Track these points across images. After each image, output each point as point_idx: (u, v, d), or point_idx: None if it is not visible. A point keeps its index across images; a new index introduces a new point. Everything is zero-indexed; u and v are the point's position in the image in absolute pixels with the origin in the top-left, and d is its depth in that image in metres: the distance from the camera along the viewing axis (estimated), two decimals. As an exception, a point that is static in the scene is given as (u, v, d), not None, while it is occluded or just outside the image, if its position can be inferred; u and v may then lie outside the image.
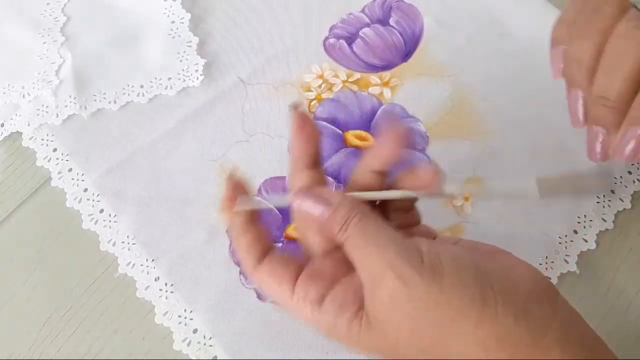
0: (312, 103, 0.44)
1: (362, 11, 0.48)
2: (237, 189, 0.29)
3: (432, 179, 0.29)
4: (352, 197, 0.28)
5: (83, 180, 0.41)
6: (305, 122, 0.29)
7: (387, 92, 0.44)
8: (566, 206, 0.39)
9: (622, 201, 0.39)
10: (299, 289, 0.27)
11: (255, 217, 0.29)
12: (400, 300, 0.25)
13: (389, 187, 0.30)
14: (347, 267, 0.27)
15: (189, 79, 0.44)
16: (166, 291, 0.37)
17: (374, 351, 0.27)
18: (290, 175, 0.30)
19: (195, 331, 0.36)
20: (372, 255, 0.26)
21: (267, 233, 0.29)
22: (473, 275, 0.25)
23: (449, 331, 0.24)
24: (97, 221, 0.39)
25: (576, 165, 0.40)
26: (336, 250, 0.28)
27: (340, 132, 0.42)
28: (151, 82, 0.44)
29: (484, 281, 0.25)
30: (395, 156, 0.29)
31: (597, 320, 0.36)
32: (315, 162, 0.30)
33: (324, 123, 0.43)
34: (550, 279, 0.37)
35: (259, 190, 0.40)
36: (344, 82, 0.45)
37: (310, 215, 0.28)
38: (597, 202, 0.39)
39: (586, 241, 0.38)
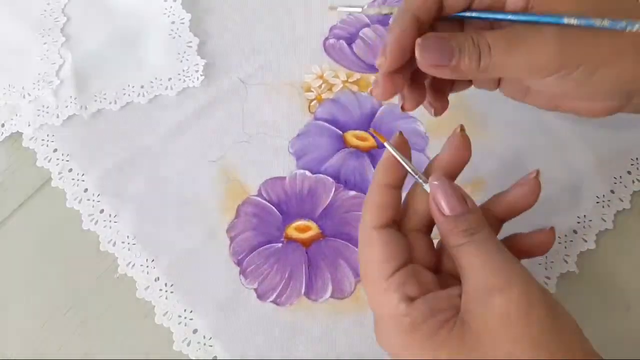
0: (312, 103, 0.44)
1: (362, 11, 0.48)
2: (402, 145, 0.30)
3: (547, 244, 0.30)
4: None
5: (83, 181, 0.41)
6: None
7: (387, 93, 0.44)
8: (566, 206, 0.39)
9: (622, 201, 0.39)
10: (397, 277, 0.27)
11: (400, 183, 0.30)
12: (514, 317, 0.25)
13: None
14: (442, 285, 0.28)
15: (189, 80, 0.44)
16: (166, 291, 0.37)
17: (407, 345, 0.26)
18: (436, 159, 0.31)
19: (195, 331, 0.36)
20: (497, 263, 0.26)
21: (399, 208, 0.30)
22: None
23: None
24: (97, 221, 0.39)
25: (575, 165, 0.40)
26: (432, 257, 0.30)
27: (340, 132, 0.42)
28: (151, 82, 0.44)
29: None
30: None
31: (597, 320, 0.36)
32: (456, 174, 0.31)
33: (324, 123, 0.43)
34: (549, 278, 0.37)
35: (259, 190, 0.40)
36: (344, 82, 0.45)
37: (440, 204, 0.28)
38: (597, 202, 0.39)
39: (586, 241, 0.38)
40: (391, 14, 0.32)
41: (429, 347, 0.26)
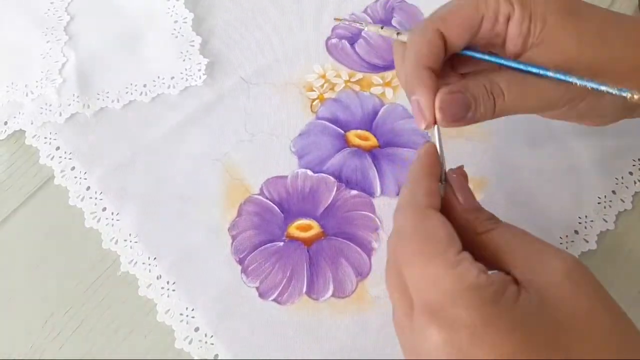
0: (315, 103, 0.44)
1: (365, 11, 0.48)
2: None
3: None
4: None
5: (86, 179, 0.41)
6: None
7: (389, 92, 0.44)
8: (567, 206, 0.39)
9: (623, 202, 0.39)
10: (466, 252, 0.26)
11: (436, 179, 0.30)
12: (576, 275, 0.25)
13: None
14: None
15: (192, 79, 0.44)
16: (168, 289, 0.37)
17: (529, 327, 0.24)
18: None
19: (196, 329, 0.36)
20: (535, 239, 0.27)
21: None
22: None
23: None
24: (99, 219, 0.40)
25: (578, 166, 0.40)
26: None
27: (342, 131, 0.42)
28: (154, 81, 0.44)
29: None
30: None
31: (598, 320, 0.36)
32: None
33: (326, 123, 0.43)
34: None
35: (261, 189, 0.40)
36: (346, 82, 0.45)
37: (458, 195, 0.29)
38: (599, 203, 0.39)
39: (587, 241, 0.38)
40: (390, 37, 0.34)
41: (514, 316, 0.24)
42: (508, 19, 0.31)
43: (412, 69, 0.30)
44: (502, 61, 0.31)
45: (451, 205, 0.29)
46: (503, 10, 0.30)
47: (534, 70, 0.30)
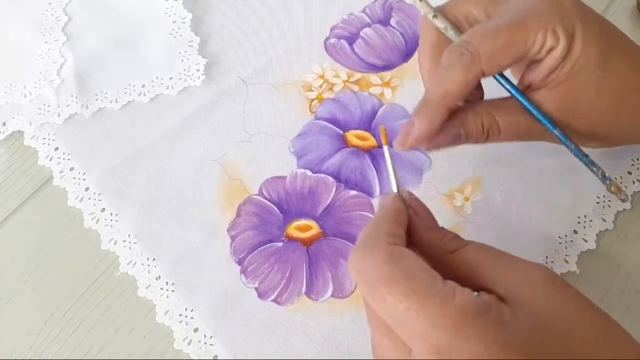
0: (313, 103, 0.44)
1: (363, 11, 0.48)
2: None
3: None
4: None
5: (84, 179, 0.41)
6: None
7: (387, 92, 0.44)
8: (566, 206, 0.39)
9: (623, 201, 0.39)
10: (449, 281, 0.25)
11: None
12: (558, 283, 0.26)
13: None
14: None
15: (190, 79, 0.44)
16: (167, 290, 0.37)
17: (539, 342, 0.24)
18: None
19: (196, 330, 0.36)
20: (504, 253, 0.27)
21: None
22: None
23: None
24: (98, 220, 0.39)
25: (576, 165, 0.40)
26: None
27: (341, 132, 0.42)
28: (152, 81, 0.44)
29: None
30: None
31: (596, 320, 0.36)
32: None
33: (325, 123, 0.43)
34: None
35: (260, 190, 0.40)
36: (344, 82, 0.45)
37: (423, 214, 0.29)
38: (597, 202, 0.39)
39: (586, 241, 0.38)
40: (423, 13, 0.33)
41: (522, 334, 0.23)
42: (549, 51, 0.30)
43: (435, 101, 0.30)
44: (522, 100, 0.31)
45: (415, 227, 0.29)
46: (548, 44, 0.30)
47: (543, 121, 0.31)
